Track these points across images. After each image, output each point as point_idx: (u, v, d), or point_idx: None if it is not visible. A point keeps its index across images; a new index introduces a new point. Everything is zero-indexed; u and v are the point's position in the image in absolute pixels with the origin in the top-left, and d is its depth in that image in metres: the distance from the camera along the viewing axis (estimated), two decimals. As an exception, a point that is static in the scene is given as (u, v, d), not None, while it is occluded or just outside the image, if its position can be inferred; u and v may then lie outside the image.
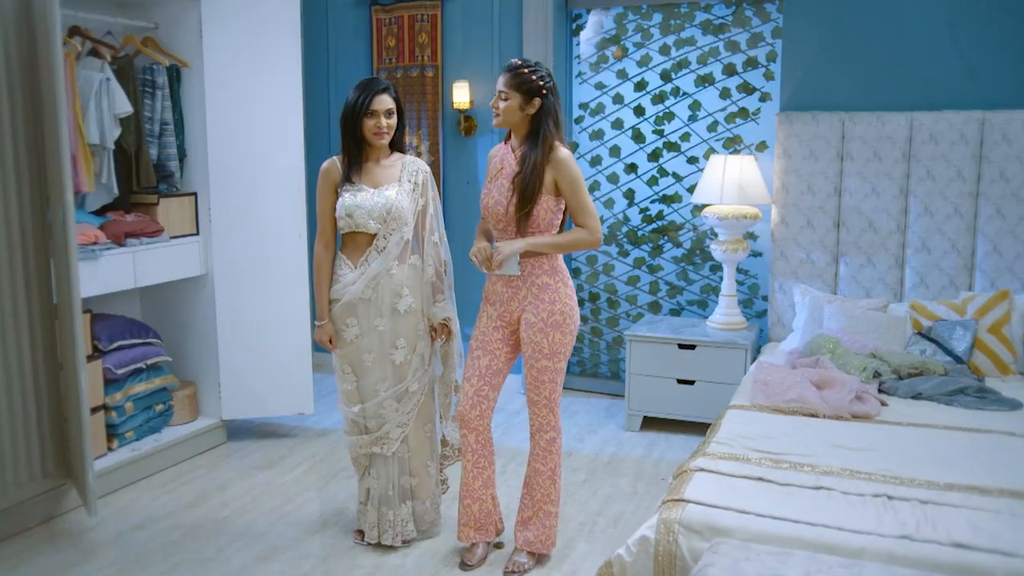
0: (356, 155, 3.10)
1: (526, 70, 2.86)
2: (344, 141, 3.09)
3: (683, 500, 2.58)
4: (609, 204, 5.10)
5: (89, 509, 3.27)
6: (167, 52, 4.07)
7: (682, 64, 4.82)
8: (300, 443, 4.40)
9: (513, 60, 2.91)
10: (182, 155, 4.15)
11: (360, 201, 3.05)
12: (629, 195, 5.05)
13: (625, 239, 5.10)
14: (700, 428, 4.52)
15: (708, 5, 4.73)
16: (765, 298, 4.87)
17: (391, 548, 3.25)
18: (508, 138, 3.05)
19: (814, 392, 3.40)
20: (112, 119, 3.74)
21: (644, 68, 4.90)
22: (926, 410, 3.41)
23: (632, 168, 5.02)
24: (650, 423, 4.62)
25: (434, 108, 5.16)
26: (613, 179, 5.08)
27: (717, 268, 4.93)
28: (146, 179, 3.96)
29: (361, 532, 3.33)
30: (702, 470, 2.79)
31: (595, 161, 5.11)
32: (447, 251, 3.23)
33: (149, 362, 4.02)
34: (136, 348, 3.99)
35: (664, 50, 4.84)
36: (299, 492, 3.81)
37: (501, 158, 3.01)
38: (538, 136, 2.88)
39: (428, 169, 3.20)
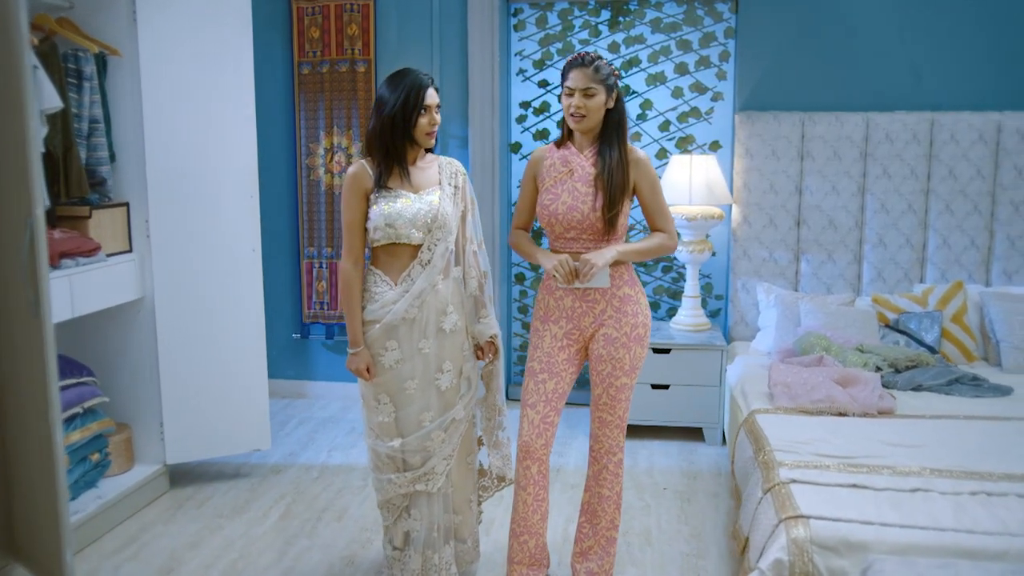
0: (393, 157, 2.72)
1: (604, 61, 2.61)
2: (382, 142, 2.70)
3: (802, 516, 2.46)
4: (555, 207, 4.91)
5: (66, 593, 2.66)
6: (90, 37, 3.44)
7: (632, 62, 4.72)
8: (259, 484, 3.87)
9: (584, 52, 2.63)
10: (112, 158, 3.53)
11: (401, 208, 2.68)
12: (576, 197, 4.88)
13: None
14: (676, 433, 4.45)
15: (659, 3, 4.66)
16: (719, 297, 4.87)
17: (433, 597, 2.90)
18: (563, 140, 2.78)
19: (840, 391, 3.40)
20: (40, 116, 3.09)
21: (592, 66, 4.75)
22: (932, 401, 3.51)
23: (580, 169, 4.85)
24: (622, 431, 4.48)
25: (366, 106, 4.74)
26: (559, 181, 4.89)
27: (668, 269, 4.88)
28: (77, 188, 3.32)
29: (394, 582, 2.95)
30: (795, 481, 2.68)
31: (540, 162, 4.90)
32: (486, 261, 2.91)
33: (86, 405, 3.39)
34: (71, 389, 3.34)
35: (613, 47, 4.72)
36: (288, 542, 3.33)
37: (564, 160, 2.73)
38: (615, 133, 2.66)
39: (465, 170, 2.88)
